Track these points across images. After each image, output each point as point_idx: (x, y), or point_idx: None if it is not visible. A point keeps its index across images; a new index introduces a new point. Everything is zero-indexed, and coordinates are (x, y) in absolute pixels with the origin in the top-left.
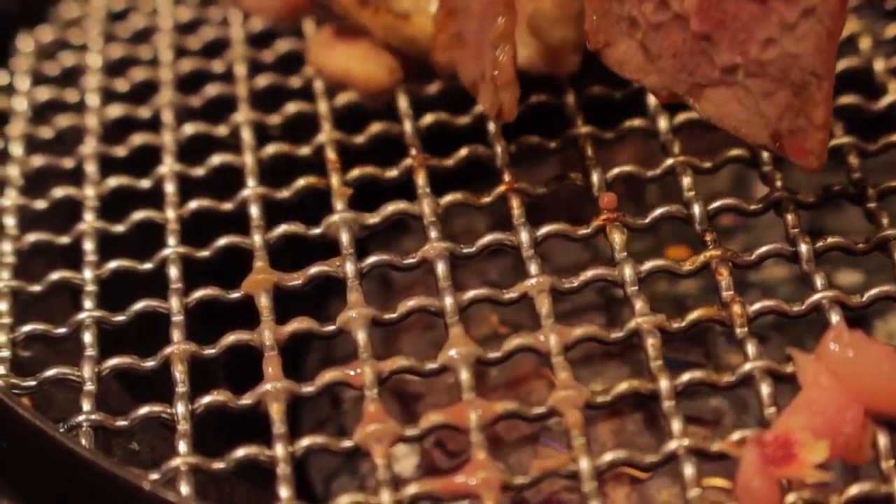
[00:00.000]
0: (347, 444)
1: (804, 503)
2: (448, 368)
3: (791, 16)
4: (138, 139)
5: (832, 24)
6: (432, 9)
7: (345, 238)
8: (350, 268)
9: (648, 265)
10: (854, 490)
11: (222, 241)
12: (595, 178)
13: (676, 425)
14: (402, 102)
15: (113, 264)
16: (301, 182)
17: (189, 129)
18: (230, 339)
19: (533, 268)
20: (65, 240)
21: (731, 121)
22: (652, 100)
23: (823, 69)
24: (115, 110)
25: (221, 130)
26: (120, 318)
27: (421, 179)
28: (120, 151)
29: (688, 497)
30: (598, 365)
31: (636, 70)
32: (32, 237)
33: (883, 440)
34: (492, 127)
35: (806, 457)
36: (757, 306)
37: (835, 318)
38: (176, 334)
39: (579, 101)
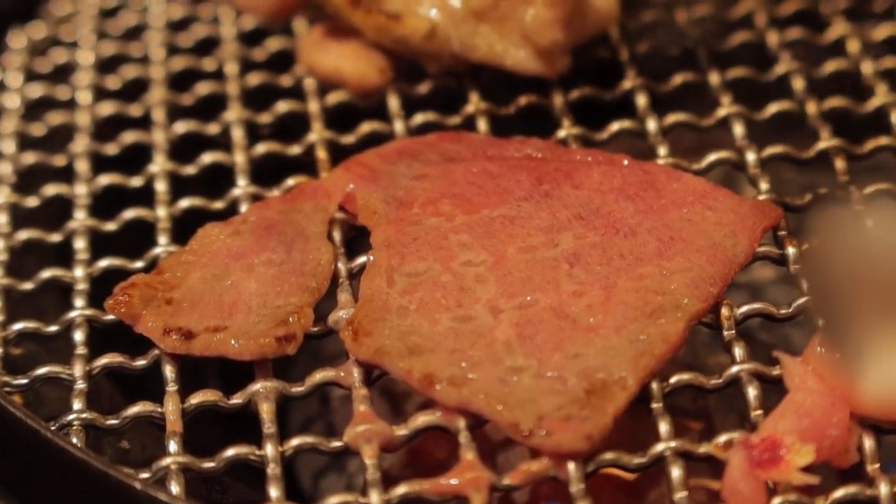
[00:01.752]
0: (337, 444)
1: None
2: None
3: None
4: (129, 137)
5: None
6: (423, 10)
7: (336, 237)
8: (341, 267)
9: None
10: (839, 493)
11: None
12: None
13: (664, 427)
14: (393, 102)
15: (104, 263)
16: (291, 181)
17: (180, 127)
18: None
19: None
20: (56, 238)
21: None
22: (641, 101)
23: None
24: (107, 108)
25: (212, 129)
26: (111, 317)
27: None
28: (111, 149)
29: (674, 499)
30: None
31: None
32: (24, 235)
33: (868, 443)
34: (482, 126)
35: (792, 460)
36: (744, 309)
37: (821, 320)
38: None
39: (568, 102)
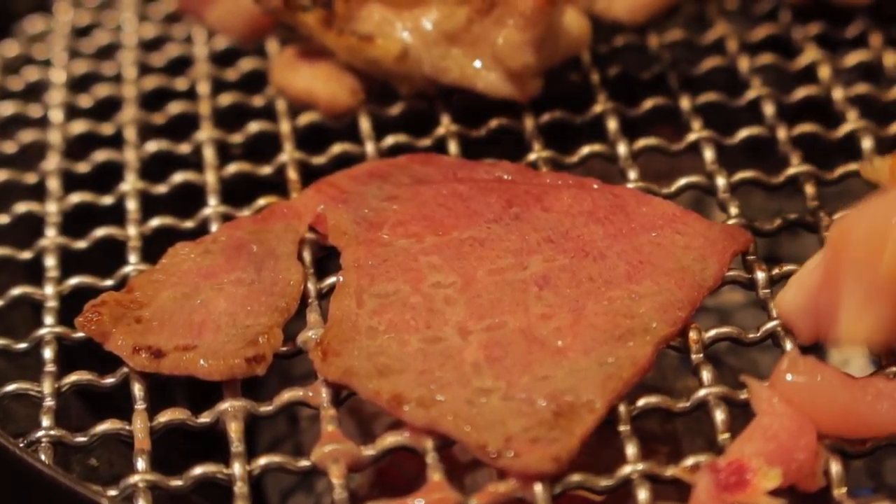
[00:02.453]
0: (304, 463)
1: None
2: None
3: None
4: (101, 156)
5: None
6: (395, 32)
7: (307, 257)
8: (311, 288)
9: None
10: None
11: None
12: None
13: (631, 449)
14: (364, 123)
15: (74, 280)
16: (262, 201)
17: (152, 146)
18: None
19: None
20: (27, 255)
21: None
22: (612, 125)
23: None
24: (79, 126)
25: (184, 148)
26: (80, 334)
27: None
28: (83, 168)
29: None
30: None
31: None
32: None
33: (835, 468)
34: (453, 149)
35: (759, 483)
36: (712, 333)
37: (788, 345)
38: None
39: (539, 125)
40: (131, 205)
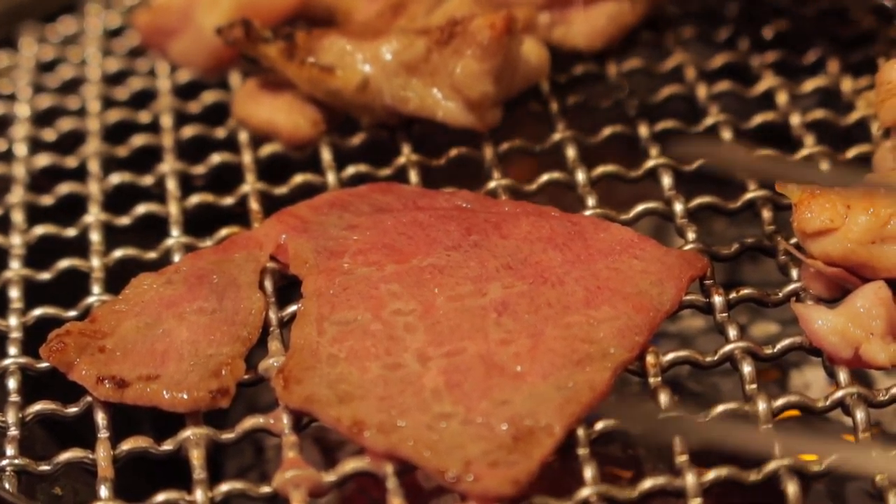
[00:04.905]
0: (266, 489)
1: None
2: None
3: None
4: (65, 188)
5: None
6: (355, 63)
7: (268, 286)
8: (272, 316)
9: None
10: None
11: None
12: None
13: (590, 472)
14: (326, 154)
15: (38, 311)
16: (224, 231)
17: (115, 178)
18: None
19: None
20: None
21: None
22: (570, 153)
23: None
24: (43, 159)
25: (147, 180)
26: (44, 364)
27: None
28: (47, 200)
29: None
30: None
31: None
32: None
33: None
34: (413, 178)
35: None
36: (670, 356)
37: (746, 368)
38: None
39: (498, 153)
40: (95, 236)
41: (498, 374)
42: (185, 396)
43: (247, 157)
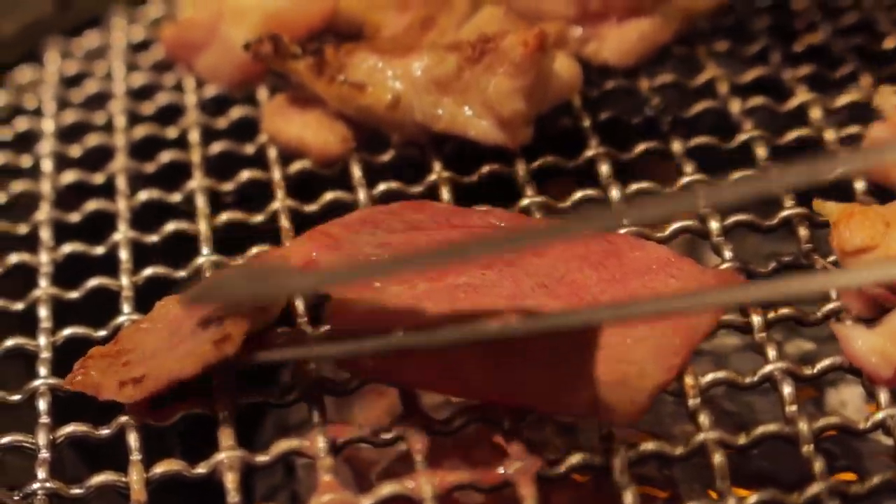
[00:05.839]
0: None
1: None
2: (403, 438)
3: None
4: (92, 205)
5: None
6: (386, 80)
7: (300, 306)
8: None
9: None
10: None
11: None
12: None
13: (629, 498)
14: (356, 171)
15: (68, 331)
16: (254, 250)
17: (143, 195)
18: (186, 408)
19: None
20: (19, 306)
21: None
22: (604, 169)
23: None
24: (70, 176)
25: (175, 197)
26: None
27: None
28: (74, 217)
29: None
30: (551, 436)
31: None
32: None
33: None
34: (445, 195)
35: None
36: (709, 378)
37: (787, 389)
38: None
39: (531, 170)
40: (124, 254)
41: None
42: (192, 358)
43: (276, 174)
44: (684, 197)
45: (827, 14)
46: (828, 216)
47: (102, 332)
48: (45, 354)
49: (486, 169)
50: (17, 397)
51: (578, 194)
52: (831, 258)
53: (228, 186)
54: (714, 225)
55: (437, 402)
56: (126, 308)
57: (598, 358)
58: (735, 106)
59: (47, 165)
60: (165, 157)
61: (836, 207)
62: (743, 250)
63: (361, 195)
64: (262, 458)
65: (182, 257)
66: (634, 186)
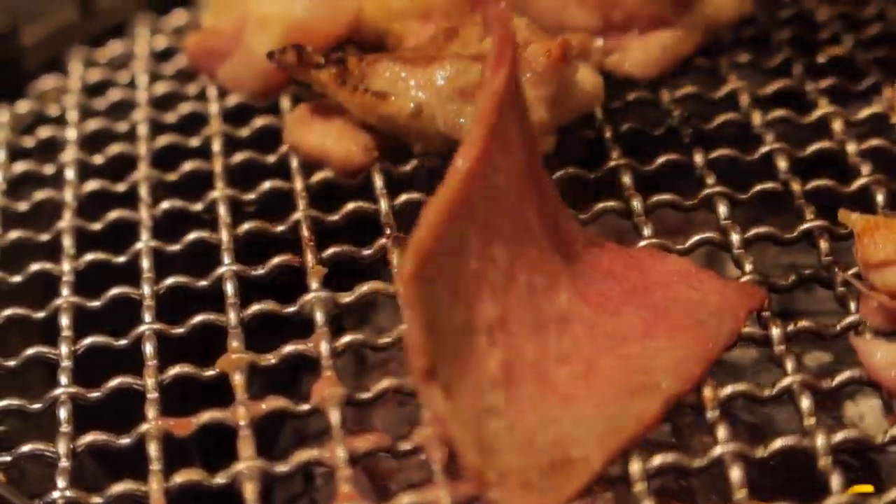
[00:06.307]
0: None
1: None
2: (422, 449)
3: None
4: (115, 214)
5: None
6: (409, 89)
7: (319, 317)
8: (324, 347)
9: None
10: None
11: (197, 319)
12: None
13: None
14: (378, 181)
15: (88, 340)
16: (276, 260)
17: (165, 204)
18: (205, 417)
19: None
20: (41, 315)
21: None
22: (626, 180)
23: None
24: (92, 184)
25: (197, 206)
26: (95, 394)
27: (395, 259)
28: (96, 226)
29: None
30: None
31: None
32: (8, 311)
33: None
34: None
35: None
36: (728, 390)
37: (805, 402)
38: (151, 411)
39: (553, 180)
40: (145, 263)
41: (551, 392)
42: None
43: (298, 184)
44: None
45: (849, 26)
46: (852, 227)
47: (124, 342)
48: (66, 363)
49: None
50: (37, 406)
51: (600, 205)
52: (852, 270)
53: (250, 196)
54: (735, 237)
55: None
56: (147, 317)
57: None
58: (757, 118)
59: (70, 174)
60: (188, 166)
61: (861, 219)
62: (759, 259)
63: (383, 205)
64: (281, 469)
65: (204, 267)
66: (656, 198)
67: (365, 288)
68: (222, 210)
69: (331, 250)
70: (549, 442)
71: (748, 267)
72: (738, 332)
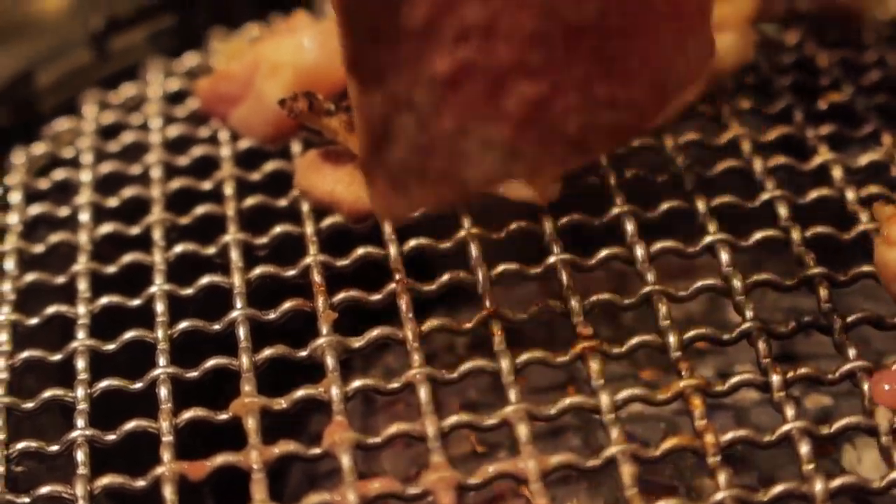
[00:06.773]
0: None
1: None
2: (429, 493)
3: None
4: (128, 257)
5: None
6: None
7: (330, 362)
8: (335, 392)
9: (624, 394)
10: None
11: (210, 363)
12: (573, 304)
13: None
14: (387, 227)
15: (104, 383)
16: (287, 304)
17: (178, 248)
18: (218, 460)
19: (512, 394)
20: (57, 357)
21: None
22: (629, 227)
23: None
24: (106, 227)
25: (210, 250)
26: (111, 437)
27: (404, 304)
28: (111, 269)
29: None
30: (574, 486)
31: None
32: (25, 354)
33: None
34: (474, 252)
35: None
36: (729, 436)
37: (804, 448)
38: (166, 454)
39: (558, 227)
40: (159, 307)
41: (489, 106)
42: None
43: (309, 228)
44: None
45: (850, 72)
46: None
47: (138, 385)
48: (83, 406)
49: (514, 226)
50: (54, 448)
51: (604, 252)
52: (851, 317)
53: (262, 240)
54: (737, 284)
55: (464, 454)
56: (162, 361)
57: None
58: (758, 165)
59: (84, 216)
60: (200, 209)
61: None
62: (762, 305)
63: (392, 250)
64: None
65: (216, 310)
66: (658, 244)
67: (374, 333)
68: (234, 254)
69: (341, 295)
70: (449, 152)
71: (749, 314)
72: None
